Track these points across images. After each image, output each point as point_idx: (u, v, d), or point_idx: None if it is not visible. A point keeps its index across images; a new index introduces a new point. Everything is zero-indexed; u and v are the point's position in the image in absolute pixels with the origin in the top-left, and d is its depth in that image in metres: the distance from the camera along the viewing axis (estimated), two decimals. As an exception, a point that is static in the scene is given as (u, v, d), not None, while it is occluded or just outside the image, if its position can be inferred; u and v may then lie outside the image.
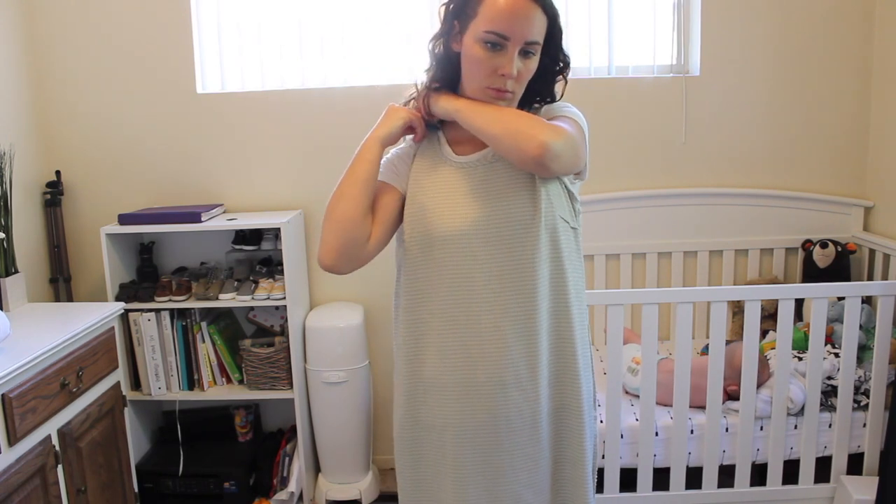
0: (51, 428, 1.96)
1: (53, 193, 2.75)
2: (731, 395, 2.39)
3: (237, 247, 2.77)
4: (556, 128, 1.27)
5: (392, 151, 1.48)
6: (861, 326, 2.43)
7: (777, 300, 2.33)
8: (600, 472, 2.32)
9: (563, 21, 1.33)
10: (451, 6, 1.33)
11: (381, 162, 1.42)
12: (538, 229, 1.32)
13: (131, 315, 2.60)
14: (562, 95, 1.43)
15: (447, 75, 1.37)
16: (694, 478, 2.39)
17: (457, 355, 1.36)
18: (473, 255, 1.33)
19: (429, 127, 1.43)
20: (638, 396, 2.40)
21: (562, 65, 1.39)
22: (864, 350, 2.48)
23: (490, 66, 1.28)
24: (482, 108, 1.31)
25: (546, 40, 1.30)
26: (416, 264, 1.39)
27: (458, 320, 1.35)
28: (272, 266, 2.77)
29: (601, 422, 2.31)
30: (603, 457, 2.34)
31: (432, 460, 1.43)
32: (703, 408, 2.35)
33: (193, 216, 2.59)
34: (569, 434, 1.40)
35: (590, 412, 1.43)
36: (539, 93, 1.39)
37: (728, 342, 2.42)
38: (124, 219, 2.61)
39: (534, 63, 1.31)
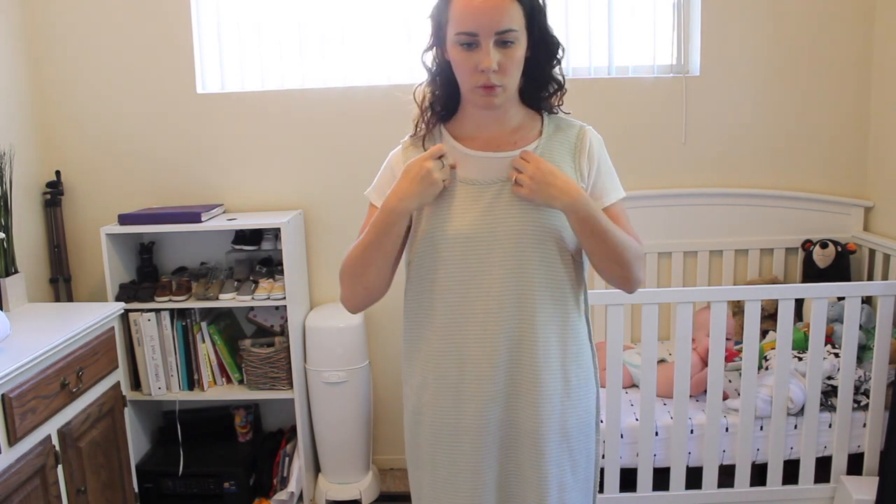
0: (51, 428, 1.96)
1: (53, 193, 2.75)
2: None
3: (237, 247, 2.77)
4: (642, 257, 1.37)
5: (388, 167, 1.43)
6: (861, 326, 2.43)
7: (777, 300, 2.33)
8: (600, 472, 2.32)
9: (542, 4, 1.31)
10: (432, 16, 1.34)
11: (381, 183, 1.41)
12: (544, 238, 1.32)
13: (131, 315, 2.60)
14: (564, 82, 1.40)
15: (447, 86, 1.37)
16: (694, 478, 2.39)
17: (449, 361, 1.37)
18: (469, 260, 1.33)
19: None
20: (638, 387, 2.40)
21: (551, 47, 1.35)
22: (864, 350, 2.48)
23: (470, 64, 1.27)
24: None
25: (529, 25, 1.29)
26: (418, 266, 1.39)
27: (450, 327, 1.36)
28: (272, 266, 2.77)
29: (601, 421, 2.31)
30: (603, 457, 2.34)
31: (430, 461, 1.43)
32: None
33: (193, 216, 2.59)
34: (571, 447, 1.40)
35: (590, 430, 1.43)
36: (537, 79, 1.37)
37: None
38: (124, 219, 2.61)
39: (517, 51, 1.28)
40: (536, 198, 1.29)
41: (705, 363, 2.42)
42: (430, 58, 1.38)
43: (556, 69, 1.38)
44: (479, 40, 1.25)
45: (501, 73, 1.27)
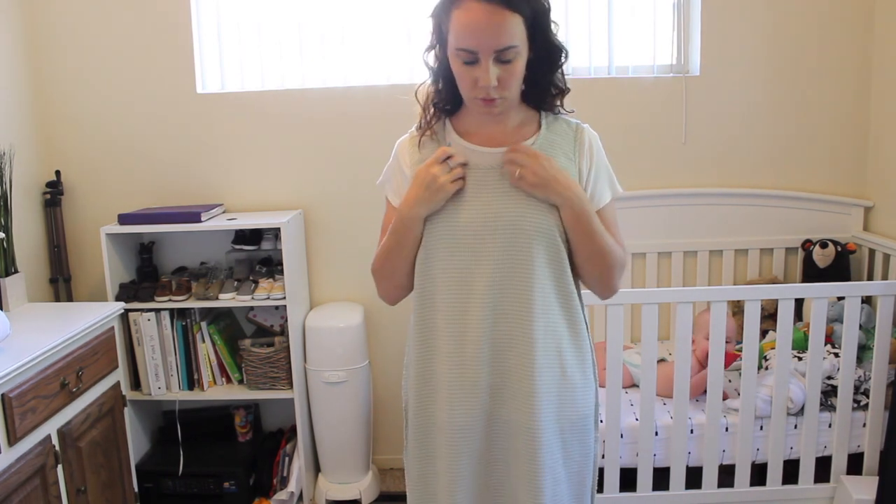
0: (51, 428, 1.96)
1: (53, 193, 2.75)
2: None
3: (237, 247, 2.77)
4: (623, 265, 1.38)
5: (395, 156, 1.45)
6: (861, 326, 2.43)
7: (777, 300, 2.33)
8: (600, 472, 2.32)
9: (545, 7, 1.30)
10: (433, 16, 1.34)
11: (389, 174, 1.44)
12: (541, 234, 1.33)
13: (131, 315, 2.60)
14: (566, 85, 1.40)
15: (449, 84, 1.36)
16: (694, 477, 2.39)
17: (452, 357, 1.37)
18: (469, 253, 1.34)
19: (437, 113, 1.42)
20: (638, 386, 2.40)
21: (555, 54, 1.34)
22: (863, 350, 2.48)
23: (470, 79, 1.28)
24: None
25: (531, 34, 1.28)
26: (419, 260, 1.39)
27: (451, 318, 1.36)
28: (272, 266, 2.77)
29: (601, 421, 2.31)
30: (603, 457, 2.34)
31: (432, 459, 1.43)
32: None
33: (193, 216, 2.59)
34: (566, 443, 1.40)
35: (588, 424, 1.43)
36: (539, 83, 1.37)
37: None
38: (124, 219, 2.61)
39: (517, 65, 1.28)
40: (539, 191, 1.31)
41: (703, 366, 2.42)
42: (431, 57, 1.37)
43: (559, 73, 1.38)
44: (479, 57, 1.25)
45: (501, 88, 1.28)
